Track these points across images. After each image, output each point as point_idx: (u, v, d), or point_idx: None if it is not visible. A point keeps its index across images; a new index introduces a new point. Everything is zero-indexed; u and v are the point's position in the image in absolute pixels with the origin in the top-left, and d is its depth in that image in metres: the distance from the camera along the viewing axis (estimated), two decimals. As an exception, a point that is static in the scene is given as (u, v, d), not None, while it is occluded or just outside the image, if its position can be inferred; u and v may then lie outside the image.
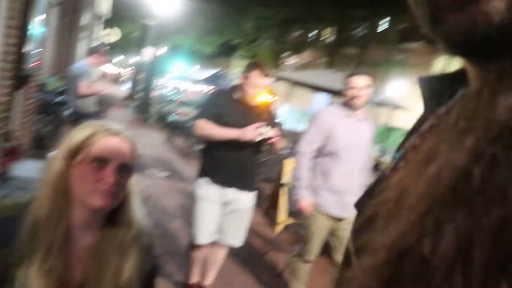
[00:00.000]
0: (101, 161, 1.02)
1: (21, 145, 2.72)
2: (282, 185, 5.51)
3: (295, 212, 4.97)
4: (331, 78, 6.68)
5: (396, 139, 22.40)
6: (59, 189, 1.00)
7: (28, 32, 3.75)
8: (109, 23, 17.78)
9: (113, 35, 19.76)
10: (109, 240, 1.08)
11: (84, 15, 9.65)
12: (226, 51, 32.69)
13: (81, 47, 9.42)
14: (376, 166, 9.94)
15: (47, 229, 0.97)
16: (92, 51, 5.03)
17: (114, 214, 1.09)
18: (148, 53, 20.28)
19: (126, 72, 27.76)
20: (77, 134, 1.05)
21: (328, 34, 24.20)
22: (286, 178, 5.58)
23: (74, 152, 1.03)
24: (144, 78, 17.70)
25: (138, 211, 1.14)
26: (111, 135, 1.06)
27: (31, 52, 4.23)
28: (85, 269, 1.04)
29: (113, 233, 1.08)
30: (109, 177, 1.01)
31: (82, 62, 5.07)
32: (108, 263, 1.05)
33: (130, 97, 17.81)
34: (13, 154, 2.58)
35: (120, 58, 36.51)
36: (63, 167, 1.02)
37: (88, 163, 1.01)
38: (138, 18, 21.92)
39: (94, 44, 7.44)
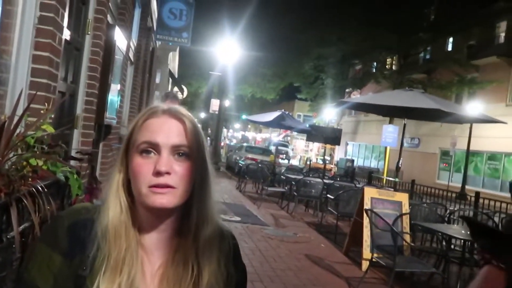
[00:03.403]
0: (149, 147, 0.88)
1: (101, 184, 2.85)
2: (361, 217, 5.21)
3: (381, 245, 4.67)
4: (405, 97, 6.37)
5: (479, 165, 20.70)
6: (121, 194, 0.91)
7: (109, 84, 4.07)
8: (177, 82, 19.06)
9: (181, 93, 21.07)
10: (185, 247, 0.93)
11: (157, 75, 10.42)
12: (288, 95, 33.28)
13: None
14: (460, 196, 9.10)
15: (117, 238, 0.88)
16: (164, 98, 5.33)
17: (187, 216, 0.94)
18: (215, 105, 21.21)
19: None
20: (128, 128, 0.94)
21: (391, 63, 23.69)
22: (367, 206, 5.27)
23: (127, 147, 0.92)
24: (212, 129, 18.38)
25: (214, 209, 0.96)
26: (157, 116, 0.91)
27: (111, 106, 4.56)
28: (161, 279, 0.92)
29: (189, 238, 0.93)
30: (161, 164, 0.86)
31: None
32: (187, 271, 0.91)
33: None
34: (94, 193, 2.70)
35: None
36: (120, 167, 0.92)
37: (139, 154, 0.89)
38: (203, 75, 23.34)
39: (164, 92, 7.94)
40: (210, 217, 0.96)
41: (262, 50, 19.85)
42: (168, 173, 0.86)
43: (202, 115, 28.17)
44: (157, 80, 12.67)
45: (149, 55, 9.11)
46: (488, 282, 0.53)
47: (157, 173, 0.86)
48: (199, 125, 1.01)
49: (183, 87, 20.59)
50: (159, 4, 8.91)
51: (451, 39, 21.50)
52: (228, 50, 17.11)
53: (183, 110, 0.96)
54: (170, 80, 16.40)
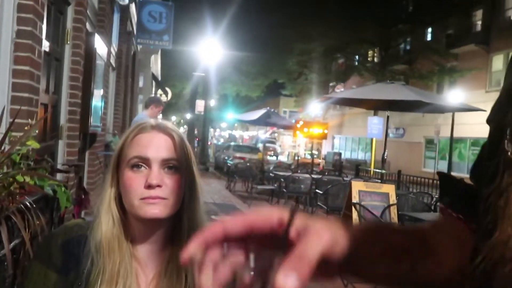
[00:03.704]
0: (140, 162, 0.91)
1: (89, 195, 2.86)
2: (350, 211, 5.29)
3: None
4: (387, 90, 6.47)
5: (463, 151, 21.08)
6: (113, 208, 0.94)
7: (91, 93, 4.05)
8: (160, 84, 18.95)
9: (165, 95, 20.98)
10: (177, 257, 0.92)
11: (140, 79, 10.35)
12: (273, 92, 33.33)
13: (140, 108, 10.05)
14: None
15: (111, 252, 0.90)
16: (148, 104, 5.32)
17: (178, 227, 0.97)
18: (200, 106, 21.14)
19: (182, 131, 29.06)
20: (117, 144, 0.98)
21: (372, 55, 23.93)
22: (355, 199, 5.36)
23: (117, 162, 0.95)
24: (199, 130, 18.29)
25: (204, 219, 0.99)
26: (146, 131, 0.95)
27: (95, 114, 4.54)
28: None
29: (180, 249, 0.96)
30: (153, 178, 0.89)
31: (141, 114, 5.36)
32: (180, 281, 0.93)
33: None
34: (83, 204, 2.71)
35: (173, 118, 38.49)
36: (111, 182, 0.95)
37: (130, 168, 0.92)
38: (187, 75, 23.23)
39: (148, 97, 7.90)
40: (200, 227, 0.97)
41: (245, 48, 19.88)
42: (159, 186, 0.90)
43: (188, 116, 28.15)
44: (141, 83, 12.59)
45: (131, 59, 9.06)
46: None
47: (149, 186, 0.89)
48: (185, 134, 1.04)
49: (167, 89, 20.48)
50: (138, 8, 8.85)
51: (429, 29, 21.81)
52: (211, 49, 17.07)
53: (170, 125, 1.00)
54: (154, 83, 16.30)
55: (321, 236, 0.40)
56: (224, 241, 0.40)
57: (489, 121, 0.49)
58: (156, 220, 0.92)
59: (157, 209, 0.89)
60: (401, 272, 0.47)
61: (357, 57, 24.28)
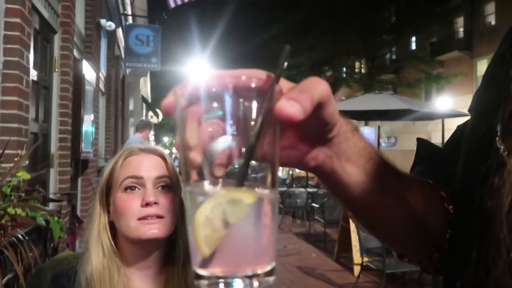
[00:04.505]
0: (133, 184, 0.91)
1: (83, 222, 2.82)
2: (348, 223, 5.26)
3: (370, 248, 4.72)
4: (376, 100, 6.54)
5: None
6: (104, 238, 0.92)
7: (81, 119, 4.04)
8: (150, 106, 18.96)
9: (156, 116, 20.97)
10: (173, 280, 0.94)
11: (130, 102, 10.36)
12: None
13: (131, 131, 10.02)
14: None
15: (102, 285, 0.88)
16: (138, 127, 5.33)
17: (173, 249, 0.95)
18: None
19: (174, 151, 28.89)
20: (104, 171, 0.96)
21: (359, 67, 24.25)
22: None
23: (106, 189, 0.94)
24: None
25: None
26: (135, 154, 0.95)
27: (86, 140, 4.52)
28: None
29: (176, 271, 0.94)
30: (149, 195, 0.89)
31: (134, 137, 5.36)
32: None
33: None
34: (78, 233, 2.67)
35: (165, 139, 38.41)
36: (100, 210, 0.93)
37: (122, 192, 0.91)
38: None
39: (140, 120, 7.90)
40: None
41: (234, 65, 19.90)
42: (156, 203, 0.90)
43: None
44: (131, 107, 12.59)
45: (120, 83, 9.08)
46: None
47: (146, 204, 0.89)
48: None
49: (158, 110, 20.50)
50: (125, 32, 8.90)
51: (413, 38, 22.20)
52: (200, 68, 17.18)
53: (158, 147, 1.01)
54: (144, 105, 16.30)
55: (321, 81, 0.37)
56: (208, 96, 0.35)
57: (470, 110, 0.49)
58: (153, 241, 0.90)
59: (156, 229, 0.88)
60: (375, 186, 0.44)
61: (344, 69, 24.58)
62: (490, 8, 19.03)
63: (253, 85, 0.34)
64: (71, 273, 0.91)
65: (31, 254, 1.66)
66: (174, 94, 0.36)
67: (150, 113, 19.26)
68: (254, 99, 0.34)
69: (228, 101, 0.34)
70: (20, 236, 1.60)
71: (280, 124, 0.35)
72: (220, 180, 0.34)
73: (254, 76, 0.35)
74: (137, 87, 13.31)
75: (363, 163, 0.43)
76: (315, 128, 0.39)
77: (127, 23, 9.61)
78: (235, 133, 0.34)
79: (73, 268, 0.92)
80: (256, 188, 0.34)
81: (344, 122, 0.42)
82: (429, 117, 7.81)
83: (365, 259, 4.56)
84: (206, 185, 0.34)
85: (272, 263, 0.34)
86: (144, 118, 11.55)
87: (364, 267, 4.56)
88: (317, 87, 0.36)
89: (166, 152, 1.01)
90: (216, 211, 0.32)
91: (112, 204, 0.93)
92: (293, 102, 0.34)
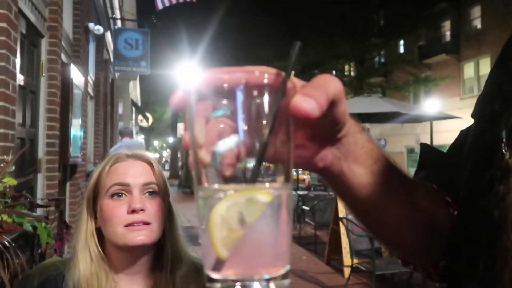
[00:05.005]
0: (120, 190, 0.91)
1: (72, 228, 2.80)
2: (338, 225, 5.28)
3: (360, 250, 4.76)
4: (365, 103, 6.60)
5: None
6: (91, 243, 0.92)
7: (69, 123, 4.00)
8: (140, 110, 18.86)
9: (146, 120, 20.88)
10: (161, 285, 0.93)
11: (119, 105, 10.29)
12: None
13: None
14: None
15: None
16: (122, 133, 5.31)
17: (161, 254, 0.95)
18: (182, 129, 21.03)
19: (165, 155, 28.64)
20: (91, 179, 0.96)
21: (349, 70, 24.44)
22: (342, 213, 5.36)
23: (93, 195, 0.94)
24: (183, 153, 18.13)
25: (186, 245, 0.99)
26: (122, 160, 0.95)
27: (75, 144, 4.48)
28: None
29: (164, 276, 0.94)
30: (136, 202, 0.89)
31: (122, 142, 5.33)
32: None
33: (173, 176, 18.18)
34: (66, 238, 2.64)
35: (156, 143, 38.16)
36: (87, 217, 0.94)
37: (109, 198, 0.91)
38: (167, 99, 23.20)
39: (121, 126, 7.83)
40: (184, 252, 0.97)
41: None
42: (142, 210, 0.90)
43: (170, 140, 28.03)
44: (120, 110, 12.51)
45: (109, 87, 9.02)
46: None
47: (133, 211, 0.89)
48: (169, 158, 1.05)
49: (148, 114, 20.40)
50: (114, 36, 8.86)
51: (402, 42, 22.46)
52: (190, 71, 17.14)
53: (146, 153, 1.00)
54: (134, 109, 16.21)
55: (334, 79, 0.36)
56: (215, 93, 0.34)
57: (473, 115, 0.48)
58: (140, 248, 0.90)
59: (143, 235, 0.88)
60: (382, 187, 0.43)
61: (334, 72, 24.74)
62: (476, 12, 19.34)
63: (265, 81, 0.33)
64: (59, 279, 0.90)
65: (17, 261, 1.64)
66: (184, 90, 0.35)
67: (140, 117, 19.17)
68: (266, 95, 0.33)
69: (240, 97, 0.33)
70: (6, 243, 1.58)
71: (293, 121, 0.34)
72: (233, 179, 0.33)
73: (266, 72, 0.34)
74: (127, 90, 13.24)
75: (371, 165, 0.43)
76: (325, 128, 0.38)
77: (116, 27, 9.58)
78: (248, 130, 0.33)
79: (60, 274, 0.91)
80: (272, 187, 0.33)
81: (353, 122, 0.41)
82: (418, 119, 7.90)
83: (355, 261, 4.59)
84: (220, 184, 0.33)
85: (287, 265, 0.33)
86: (124, 125, 11.39)
87: (354, 269, 4.58)
88: (330, 84, 0.35)
89: (154, 157, 1.01)
90: (233, 210, 0.31)
91: (99, 210, 0.93)
92: (309, 98, 0.33)
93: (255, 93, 0.33)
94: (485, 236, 0.39)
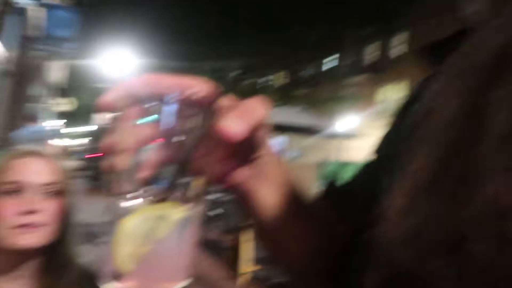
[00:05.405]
0: (15, 188, 0.85)
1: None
2: (245, 230, 4.97)
3: (265, 257, 4.56)
4: (287, 114, 7.03)
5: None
6: None
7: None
8: (66, 92, 17.74)
9: (65, 104, 19.65)
10: None
11: (34, 85, 9.69)
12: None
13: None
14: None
15: None
16: (25, 117, 5.11)
17: (51, 257, 0.90)
18: (100, 119, 20.11)
19: (79, 143, 26.21)
20: None
21: (278, 79, 25.35)
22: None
23: None
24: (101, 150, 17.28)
25: (77, 249, 0.94)
26: (19, 157, 0.89)
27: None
28: None
29: (56, 281, 0.90)
30: (29, 203, 0.84)
31: (22, 130, 5.06)
32: None
33: (84, 167, 17.19)
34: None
35: (74, 129, 35.64)
36: None
37: (1, 196, 0.85)
38: (95, 86, 22.06)
39: (26, 110, 7.16)
40: (75, 257, 0.95)
41: (161, 60, 19.65)
42: (34, 212, 0.85)
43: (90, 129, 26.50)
44: (39, 91, 11.78)
45: (29, 66, 8.49)
46: None
47: (23, 213, 0.84)
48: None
49: (73, 98, 19.22)
50: (42, 12, 8.34)
51: (327, 59, 24.01)
52: (123, 60, 16.52)
53: (47, 150, 0.99)
54: (56, 91, 15.29)
55: (262, 104, 0.37)
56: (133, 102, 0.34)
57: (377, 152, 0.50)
58: (28, 251, 0.85)
59: (32, 238, 0.84)
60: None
61: (264, 79, 25.50)
62: (397, 39, 21.51)
63: (200, 95, 0.34)
64: None
65: None
66: (116, 91, 0.34)
67: (61, 100, 18.07)
68: (197, 110, 0.34)
69: (171, 107, 0.33)
70: None
71: (215, 139, 0.35)
72: (147, 190, 0.32)
73: (199, 86, 0.35)
74: (49, 72, 12.50)
75: (280, 186, 0.44)
76: (244, 147, 0.39)
77: (43, 1, 8.98)
78: (169, 141, 0.33)
79: None
80: (185, 202, 0.33)
81: (268, 144, 0.43)
82: (335, 135, 8.51)
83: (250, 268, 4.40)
84: (132, 196, 0.32)
85: (189, 278, 0.34)
86: (37, 107, 10.65)
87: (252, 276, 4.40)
88: (258, 110, 0.37)
89: (55, 155, 0.99)
90: (142, 225, 0.31)
91: None
92: (235, 122, 0.34)
93: (187, 105, 0.33)
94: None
